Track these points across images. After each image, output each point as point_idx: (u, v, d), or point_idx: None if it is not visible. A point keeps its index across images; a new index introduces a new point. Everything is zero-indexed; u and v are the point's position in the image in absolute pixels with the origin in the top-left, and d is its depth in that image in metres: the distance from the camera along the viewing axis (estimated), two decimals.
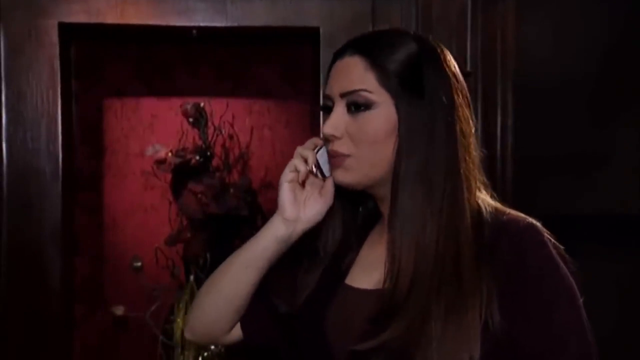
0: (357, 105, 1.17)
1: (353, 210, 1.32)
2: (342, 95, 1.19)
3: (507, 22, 2.10)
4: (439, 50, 1.21)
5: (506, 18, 2.10)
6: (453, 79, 1.19)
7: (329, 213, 1.29)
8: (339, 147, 1.20)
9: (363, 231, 1.33)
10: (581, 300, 1.13)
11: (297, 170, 1.28)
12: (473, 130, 1.21)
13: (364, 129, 1.17)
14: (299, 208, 1.28)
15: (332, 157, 1.22)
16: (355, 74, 1.18)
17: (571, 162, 2.11)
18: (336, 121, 1.19)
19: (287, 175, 1.28)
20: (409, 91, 1.16)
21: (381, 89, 1.17)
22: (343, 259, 1.30)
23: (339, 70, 1.21)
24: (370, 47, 1.19)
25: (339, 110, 1.20)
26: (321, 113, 2.03)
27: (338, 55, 1.23)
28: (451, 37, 2.06)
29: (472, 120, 1.21)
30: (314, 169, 1.27)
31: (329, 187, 1.27)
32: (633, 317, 2.27)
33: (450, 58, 1.22)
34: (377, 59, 1.17)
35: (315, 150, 1.28)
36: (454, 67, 1.22)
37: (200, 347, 2.12)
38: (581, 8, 2.13)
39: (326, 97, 1.23)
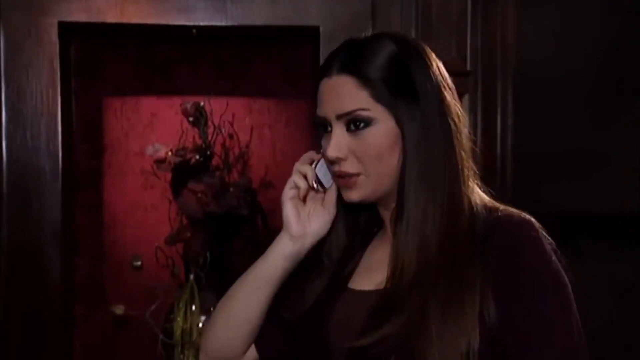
0: (357, 124, 1.17)
1: (355, 216, 1.32)
2: (339, 117, 1.18)
3: (507, 21, 2.09)
4: (420, 48, 1.21)
5: (506, 17, 2.09)
6: (438, 74, 1.19)
7: (333, 222, 1.29)
8: (346, 167, 1.19)
9: (365, 236, 1.33)
10: (572, 299, 1.13)
11: (297, 187, 1.28)
12: (462, 119, 1.21)
13: (367, 145, 1.17)
14: (304, 223, 1.28)
15: (340, 177, 1.21)
16: (347, 95, 1.17)
17: (571, 161, 2.11)
18: (338, 143, 1.18)
19: (288, 193, 1.28)
20: (402, 98, 1.16)
21: (376, 105, 1.16)
22: (346, 265, 1.30)
23: (328, 91, 1.20)
24: (355, 63, 1.18)
25: (338, 131, 1.19)
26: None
27: (324, 73, 1.21)
28: (451, 36, 2.06)
29: (460, 110, 1.22)
30: (314, 184, 1.28)
31: (331, 198, 1.28)
32: (632, 315, 2.27)
33: (431, 53, 1.22)
34: (365, 74, 1.16)
35: (313, 165, 1.28)
36: (437, 61, 1.22)
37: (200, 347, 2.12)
38: (581, 7, 2.12)
39: (321, 118, 1.21)
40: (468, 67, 2.07)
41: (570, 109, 2.11)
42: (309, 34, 2.18)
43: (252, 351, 1.36)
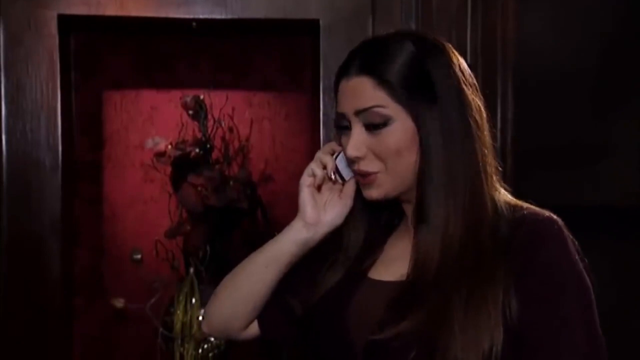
0: (375, 124, 1.19)
1: (375, 211, 1.33)
2: (357, 113, 1.20)
3: (508, 14, 2.09)
4: (440, 47, 1.22)
5: (506, 10, 2.09)
6: (459, 72, 1.20)
7: (351, 215, 1.31)
8: (366, 166, 1.21)
9: (386, 230, 1.34)
10: (593, 299, 1.13)
11: (314, 175, 1.29)
12: (485, 116, 1.22)
13: (386, 144, 1.19)
14: (319, 211, 1.29)
15: (361, 175, 1.23)
16: (366, 94, 1.19)
17: (572, 154, 2.11)
18: (357, 142, 1.20)
19: (306, 180, 1.30)
20: (420, 97, 1.17)
21: (394, 104, 1.18)
22: (366, 257, 1.31)
23: (347, 90, 1.22)
24: (374, 64, 1.19)
25: (357, 130, 1.21)
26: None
27: (343, 73, 1.23)
28: (451, 29, 2.06)
29: (483, 107, 1.22)
30: (333, 175, 1.29)
31: (349, 190, 1.29)
32: (635, 308, 2.27)
33: (452, 51, 1.23)
34: (383, 75, 1.18)
35: (334, 156, 1.29)
36: (458, 59, 1.22)
37: (200, 340, 2.12)
38: (581, 0, 2.12)
39: (340, 115, 1.24)
40: (468, 61, 2.06)
41: (571, 103, 2.11)
42: (309, 27, 2.18)
43: (254, 326, 1.37)
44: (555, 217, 1.17)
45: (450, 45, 1.24)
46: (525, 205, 1.20)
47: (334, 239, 1.32)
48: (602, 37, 2.11)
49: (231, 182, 2.18)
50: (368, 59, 1.21)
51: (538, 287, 1.11)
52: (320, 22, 2.12)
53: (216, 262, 2.15)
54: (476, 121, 1.19)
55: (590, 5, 2.11)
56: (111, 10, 2.10)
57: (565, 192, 2.10)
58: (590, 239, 1.90)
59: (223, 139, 2.27)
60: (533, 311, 1.10)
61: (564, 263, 1.13)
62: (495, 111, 2.09)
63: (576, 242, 1.16)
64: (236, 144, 2.30)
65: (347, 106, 1.21)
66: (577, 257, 1.14)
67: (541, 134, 2.10)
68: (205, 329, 1.41)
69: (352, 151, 1.21)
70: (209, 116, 2.23)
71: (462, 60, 1.23)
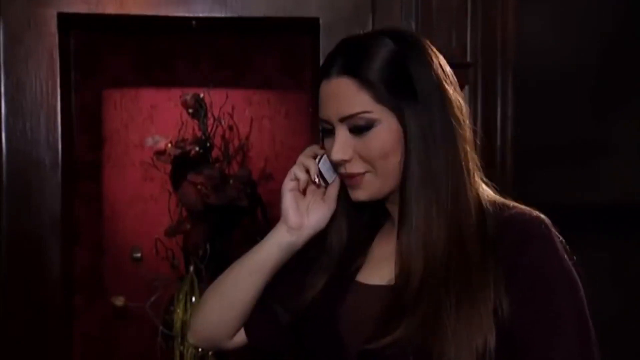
0: (360, 127, 1.17)
1: (358, 211, 1.32)
2: (342, 120, 1.18)
3: (508, 13, 2.09)
4: (419, 45, 1.20)
5: (506, 9, 2.09)
6: (439, 69, 1.18)
7: (334, 217, 1.29)
8: (352, 168, 1.20)
9: (371, 230, 1.33)
10: (583, 296, 1.13)
11: (297, 179, 1.28)
12: (466, 113, 1.21)
13: (371, 147, 1.17)
14: (302, 215, 1.28)
15: (348, 178, 1.22)
16: (349, 97, 1.16)
17: (572, 153, 2.11)
18: (343, 146, 1.18)
19: (288, 184, 1.28)
20: (403, 97, 1.16)
21: (378, 106, 1.16)
22: (352, 259, 1.30)
23: (330, 93, 1.19)
24: (355, 65, 1.17)
25: (342, 133, 1.18)
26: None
27: (324, 75, 1.20)
28: (451, 28, 2.06)
29: (462, 103, 1.20)
30: (316, 178, 1.28)
31: (332, 192, 1.28)
32: (634, 308, 2.27)
33: (432, 47, 1.21)
34: (366, 76, 1.15)
35: (317, 159, 1.28)
36: (437, 55, 1.21)
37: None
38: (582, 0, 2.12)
39: (324, 121, 1.21)
40: (468, 59, 2.07)
41: (570, 101, 2.12)
42: (309, 26, 2.18)
43: (241, 335, 1.36)
44: (542, 216, 1.16)
45: (428, 42, 1.22)
46: (512, 204, 1.19)
47: (316, 242, 1.30)
48: (602, 37, 2.11)
49: (231, 181, 2.18)
50: (349, 59, 1.18)
51: (528, 286, 1.11)
52: (320, 20, 2.13)
53: (216, 260, 2.15)
54: (458, 119, 1.18)
55: (590, 5, 2.11)
56: (111, 9, 2.10)
57: (566, 191, 2.10)
58: (590, 237, 1.92)
59: (223, 137, 2.27)
60: (524, 310, 1.10)
61: (553, 262, 1.12)
62: (495, 111, 2.10)
63: (564, 241, 1.16)
64: (236, 142, 2.30)
65: (331, 112, 1.19)
66: (565, 255, 1.14)
67: (541, 134, 2.10)
68: (191, 339, 1.39)
69: (337, 155, 1.19)
70: (209, 114, 2.22)
71: (441, 58, 1.21)
